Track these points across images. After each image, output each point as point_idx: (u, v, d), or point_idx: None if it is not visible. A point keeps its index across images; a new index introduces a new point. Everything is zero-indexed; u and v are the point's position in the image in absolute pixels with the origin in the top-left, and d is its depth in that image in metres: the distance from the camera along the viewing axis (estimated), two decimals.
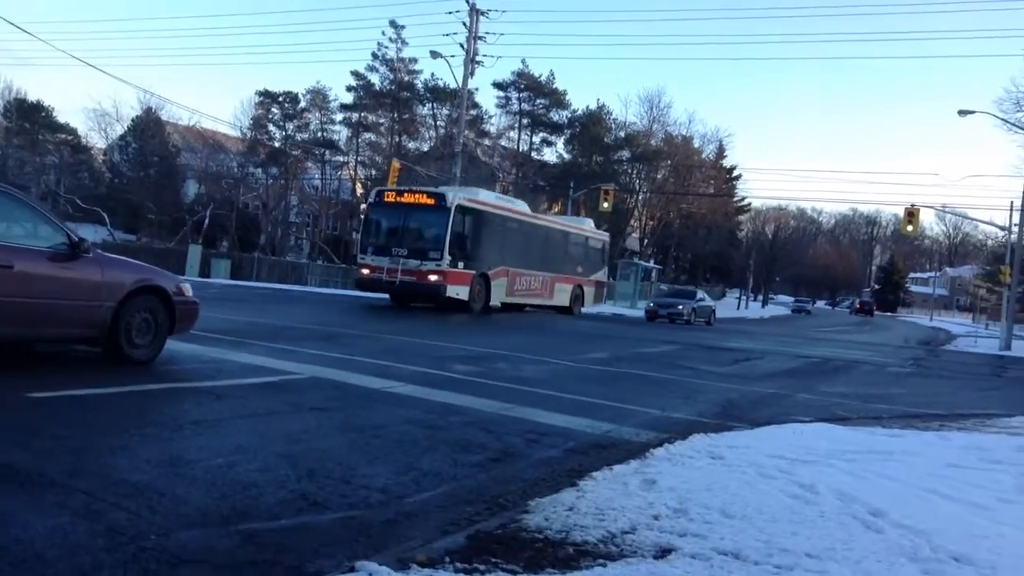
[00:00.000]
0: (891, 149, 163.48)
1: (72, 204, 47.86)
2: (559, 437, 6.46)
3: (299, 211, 62.77)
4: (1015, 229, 34.60)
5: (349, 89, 57.47)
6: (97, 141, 57.53)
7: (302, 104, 57.14)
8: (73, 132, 56.75)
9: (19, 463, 4.28)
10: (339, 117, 58.72)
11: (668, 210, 65.23)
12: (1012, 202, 35.30)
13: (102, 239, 41.11)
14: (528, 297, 27.13)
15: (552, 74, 59.98)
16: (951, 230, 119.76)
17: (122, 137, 55.53)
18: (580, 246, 30.95)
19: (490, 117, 60.07)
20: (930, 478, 5.22)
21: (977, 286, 79.83)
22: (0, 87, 56.11)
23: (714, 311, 36.13)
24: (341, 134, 59.43)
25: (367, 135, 58.78)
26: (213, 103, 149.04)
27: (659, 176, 64.14)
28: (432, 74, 57.30)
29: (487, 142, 60.33)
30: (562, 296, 28.89)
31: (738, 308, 60.32)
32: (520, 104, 59.82)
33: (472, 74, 35.39)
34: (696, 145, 68.31)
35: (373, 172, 55.28)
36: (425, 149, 56.69)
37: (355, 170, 58.88)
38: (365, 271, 23.00)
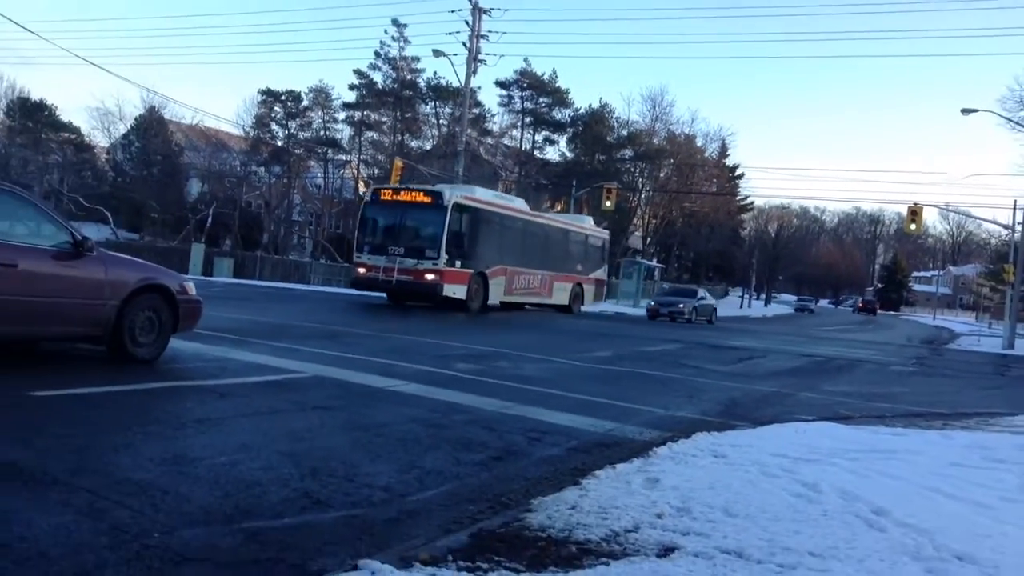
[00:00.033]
0: (894, 148, 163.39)
1: (75, 203, 47.91)
2: (562, 436, 6.46)
3: (302, 210, 62.77)
4: (1018, 228, 34.55)
5: (352, 88, 57.56)
6: (100, 140, 57.68)
7: (305, 103, 57.21)
8: (76, 131, 56.88)
9: (23, 461, 4.29)
10: (342, 116, 58.81)
11: (671, 209, 65.20)
12: (1015, 200, 35.36)
13: (105, 238, 41.18)
14: (527, 296, 26.92)
15: (555, 72, 60.06)
16: (954, 229, 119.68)
17: (125, 136, 55.56)
18: (580, 244, 30.70)
19: (493, 116, 60.14)
20: (933, 477, 5.21)
21: (980, 285, 79.75)
22: (3, 86, 56.29)
23: (715, 310, 36.09)
24: (344, 133, 59.52)
25: (370, 134, 58.82)
26: (216, 102, 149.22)
27: (662, 175, 64.10)
28: (435, 73, 57.11)
29: (490, 141, 60.34)
30: (561, 295, 28.68)
31: (741, 307, 60.32)
32: (523, 103, 59.78)
33: (475, 73, 35.41)
34: (699, 144, 68.40)
35: (376, 171, 55.30)
36: (428, 148, 56.68)
37: (358, 169, 58.92)
38: (361, 270, 22.80)
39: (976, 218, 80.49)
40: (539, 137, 62.00)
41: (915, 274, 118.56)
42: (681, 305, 32.59)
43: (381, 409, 6.88)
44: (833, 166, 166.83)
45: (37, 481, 4.00)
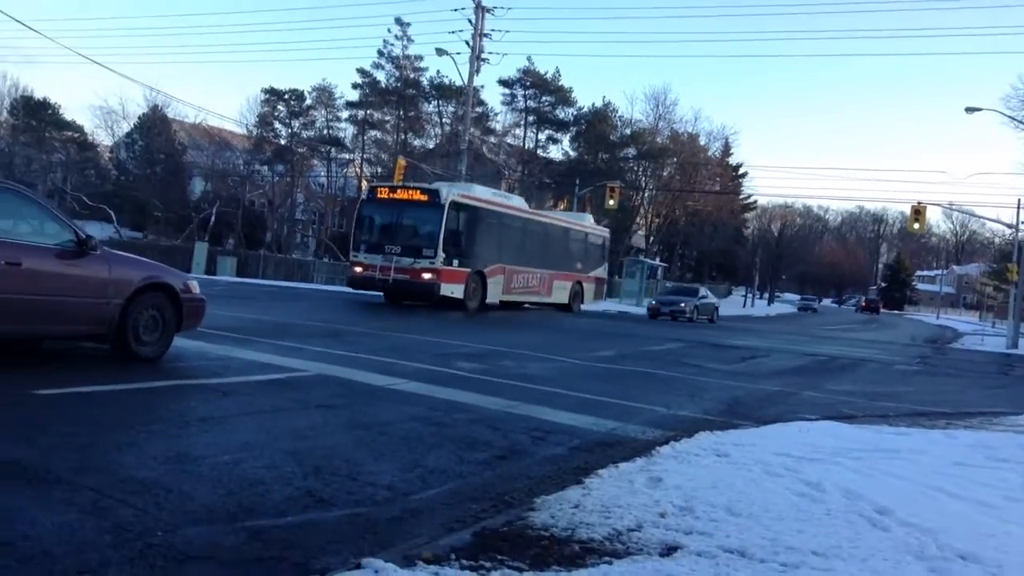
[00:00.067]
0: (898, 146, 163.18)
1: (79, 201, 47.99)
2: (564, 435, 6.46)
3: (305, 208, 62.84)
4: (1022, 227, 34.48)
5: (355, 87, 57.55)
6: (103, 138, 57.78)
7: (308, 101, 57.19)
8: (80, 129, 56.97)
9: (26, 460, 4.30)
10: (345, 114, 58.79)
11: (674, 208, 65.12)
12: (1019, 199, 35.14)
13: (109, 236, 41.23)
14: (526, 295, 26.67)
15: (558, 71, 60.22)
16: (958, 228, 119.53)
17: (128, 135, 55.64)
18: (579, 242, 30.42)
19: (496, 114, 60.12)
20: (936, 476, 5.21)
21: (984, 284, 79.47)
22: (7, 85, 56.43)
23: (717, 309, 36.00)
24: (347, 131, 59.50)
25: (373, 132, 58.80)
26: (219, 101, 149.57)
27: (665, 174, 64.02)
28: (438, 71, 57.01)
29: (493, 139, 60.31)
30: (561, 293, 28.42)
31: (744, 306, 60.28)
32: (526, 101, 59.74)
33: (478, 71, 35.39)
34: (702, 143, 68.24)
35: (379, 169, 55.32)
36: (431, 146, 56.70)
37: (361, 167, 58.93)
38: (358, 269, 22.58)
39: (980, 217, 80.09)
40: (542, 136, 61.99)
41: (919, 273, 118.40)
42: (682, 304, 32.52)
43: (384, 408, 6.89)
44: (836, 165, 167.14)
45: (41, 479, 4.00)
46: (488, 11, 34.35)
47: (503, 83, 58.63)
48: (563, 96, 59.79)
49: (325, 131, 58.27)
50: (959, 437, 7.13)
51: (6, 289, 6.57)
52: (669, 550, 3.58)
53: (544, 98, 59.78)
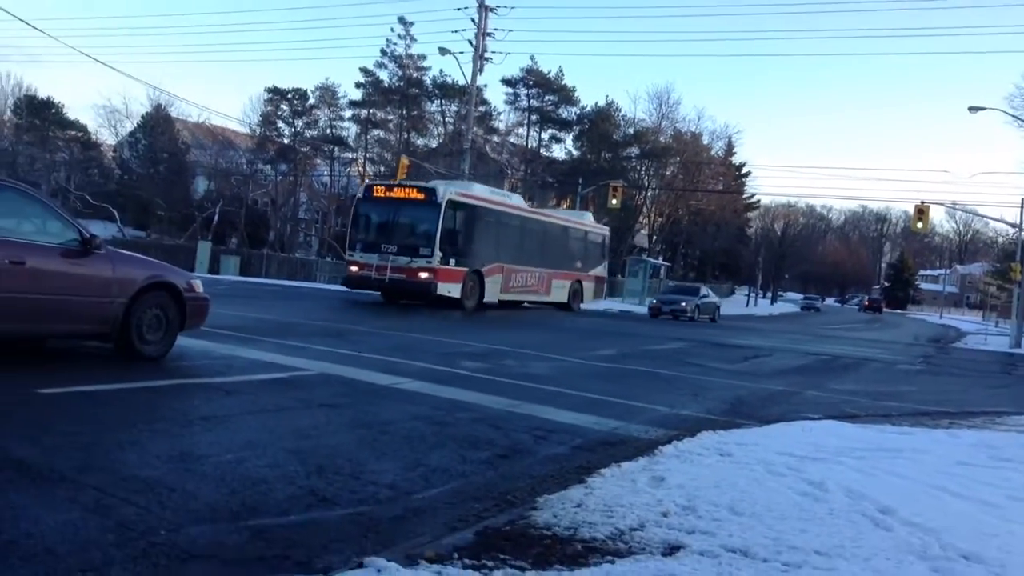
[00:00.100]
0: (901, 146, 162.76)
1: (82, 200, 48.02)
2: (567, 434, 6.46)
3: (308, 208, 62.85)
4: None
5: (358, 86, 57.61)
6: (107, 138, 57.81)
7: (311, 101, 57.25)
8: (83, 129, 56.99)
9: (30, 459, 4.31)
10: (348, 114, 58.84)
11: (677, 207, 65.13)
12: (1023, 199, 35.08)
13: (112, 235, 41.24)
14: (524, 294, 26.47)
15: (561, 70, 59.92)
16: (961, 227, 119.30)
17: (132, 134, 55.68)
18: (579, 240, 30.18)
19: (499, 114, 60.13)
20: (940, 476, 5.20)
21: (987, 283, 79.35)
22: (10, 84, 56.56)
23: (718, 308, 35.92)
24: (350, 131, 59.55)
25: (376, 131, 58.83)
26: (222, 100, 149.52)
27: (668, 173, 64.01)
28: (441, 71, 57.08)
29: (496, 139, 60.31)
30: (560, 292, 28.23)
31: (747, 305, 60.19)
32: (529, 101, 59.74)
33: (481, 71, 35.37)
34: (705, 142, 68.24)
35: (382, 168, 55.32)
36: (434, 146, 56.73)
37: (364, 167, 58.93)
38: (354, 268, 22.41)
39: (983, 216, 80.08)
40: (545, 135, 62.04)
41: (922, 272, 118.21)
42: (683, 303, 32.46)
43: (387, 407, 6.89)
44: (840, 164, 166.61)
45: (44, 478, 4.01)
46: (491, 10, 34.34)
47: (506, 82, 58.69)
48: (566, 95, 59.78)
49: (328, 130, 58.33)
50: (962, 436, 7.13)
51: (10, 288, 6.58)
52: (672, 549, 3.58)
53: (547, 97, 59.77)
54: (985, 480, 5.18)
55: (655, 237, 66.69)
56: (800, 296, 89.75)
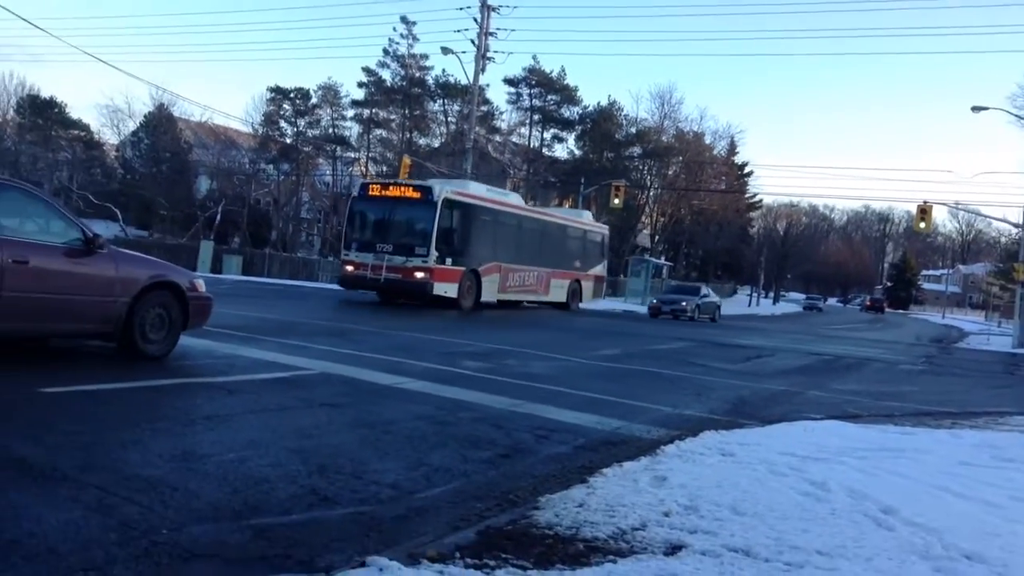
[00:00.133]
0: (904, 146, 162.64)
1: (85, 200, 48.06)
2: (569, 433, 6.46)
3: (310, 207, 62.85)
4: None
5: (360, 85, 57.54)
6: (109, 137, 57.86)
7: (313, 100, 57.19)
8: (86, 128, 57.05)
9: (32, 458, 4.31)
10: (350, 113, 58.76)
11: (679, 207, 65.02)
12: None
13: (114, 235, 41.28)
14: (522, 293, 26.24)
15: (563, 70, 59.82)
16: (964, 227, 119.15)
17: (134, 133, 55.71)
18: (578, 239, 29.93)
19: (501, 113, 60.01)
20: (942, 476, 5.20)
21: (990, 283, 79.24)
22: (13, 83, 56.58)
23: (719, 307, 35.82)
24: (352, 130, 59.49)
25: (378, 131, 58.79)
26: (225, 99, 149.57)
27: (670, 172, 63.91)
28: (443, 70, 57.03)
29: (498, 138, 60.26)
30: (559, 292, 28.01)
31: (749, 305, 60.17)
32: (531, 100, 59.65)
33: (483, 70, 35.39)
34: (707, 141, 68.03)
35: (384, 168, 55.28)
36: (436, 145, 56.68)
37: (366, 166, 58.88)
38: (349, 268, 22.19)
39: (986, 216, 79.97)
40: (547, 135, 61.93)
41: (924, 272, 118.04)
42: (684, 303, 32.37)
43: (388, 406, 6.89)
44: (842, 164, 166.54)
45: (47, 477, 4.02)
46: (494, 10, 34.35)
47: (508, 82, 58.59)
48: (568, 95, 59.70)
49: (330, 130, 58.30)
50: (965, 437, 7.12)
51: (13, 287, 6.59)
52: (673, 549, 3.58)
53: (549, 97, 59.68)
54: (988, 480, 5.18)
55: (657, 237, 66.60)
56: (802, 296, 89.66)
